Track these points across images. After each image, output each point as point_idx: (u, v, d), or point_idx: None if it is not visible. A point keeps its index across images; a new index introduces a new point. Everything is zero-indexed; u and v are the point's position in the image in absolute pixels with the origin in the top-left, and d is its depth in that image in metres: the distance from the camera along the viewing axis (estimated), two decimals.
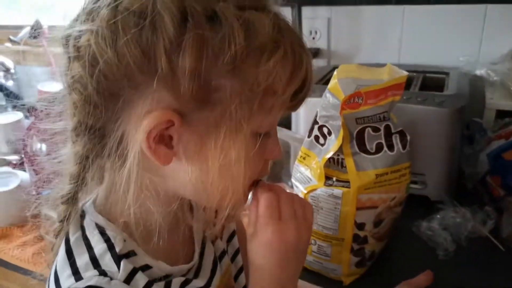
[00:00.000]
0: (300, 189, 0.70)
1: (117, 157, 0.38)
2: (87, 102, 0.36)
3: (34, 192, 0.90)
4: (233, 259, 0.58)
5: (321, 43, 1.25)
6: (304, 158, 0.71)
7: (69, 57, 0.37)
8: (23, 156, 1.00)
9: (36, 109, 0.45)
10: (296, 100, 0.41)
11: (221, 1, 0.35)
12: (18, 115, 1.15)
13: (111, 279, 0.38)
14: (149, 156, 0.37)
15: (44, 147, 0.46)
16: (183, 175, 0.39)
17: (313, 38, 1.25)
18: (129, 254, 0.41)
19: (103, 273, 0.39)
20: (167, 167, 0.39)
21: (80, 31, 0.35)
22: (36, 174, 0.86)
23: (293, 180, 0.73)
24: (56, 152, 0.43)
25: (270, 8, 0.37)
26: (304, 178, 0.70)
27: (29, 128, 0.89)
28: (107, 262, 0.39)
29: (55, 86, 0.40)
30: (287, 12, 1.18)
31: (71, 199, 0.43)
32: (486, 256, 0.76)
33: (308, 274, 0.74)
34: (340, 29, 1.22)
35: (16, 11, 1.83)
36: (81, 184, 0.42)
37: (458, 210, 0.81)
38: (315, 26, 1.24)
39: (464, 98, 0.88)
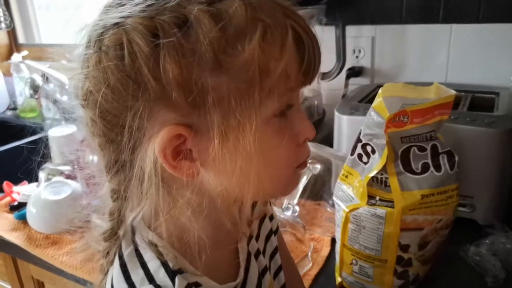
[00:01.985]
0: (341, 208, 0.70)
1: (144, 183, 0.39)
2: (106, 141, 0.39)
3: (84, 202, 0.94)
4: (275, 275, 0.58)
5: (364, 62, 1.25)
6: (346, 176, 0.71)
7: (82, 106, 0.39)
8: (75, 167, 1.06)
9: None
10: (302, 72, 0.38)
11: (187, 5, 0.35)
12: (72, 128, 1.21)
13: None
14: (173, 173, 0.38)
15: (95, 159, 0.48)
16: (209, 184, 0.39)
17: (357, 57, 1.25)
18: (181, 271, 0.41)
19: (158, 287, 0.40)
20: (194, 180, 0.39)
21: (79, 80, 0.38)
22: (87, 185, 0.90)
23: (334, 198, 0.73)
24: (96, 192, 0.45)
25: None
26: (346, 196, 0.70)
27: (82, 141, 0.94)
28: (161, 277, 0.40)
29: None
30: (331, 31, 1.19)
31: (112, 235, 0.44)
32: None
33: None
34: (384, 48, 1.22)
35: (70, 32, 1.95)
36: (120, 219, 0.43)
37: (509, 236, 0.77)
38: (359, 44, 1.24)
39: None
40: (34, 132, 1.42)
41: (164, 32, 0.34)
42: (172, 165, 0.37)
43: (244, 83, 0.35)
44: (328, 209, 0.95)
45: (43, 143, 1.15)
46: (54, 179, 1.06)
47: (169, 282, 0.40)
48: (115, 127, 0.38)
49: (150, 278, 0.40)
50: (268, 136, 0.38)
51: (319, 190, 0.97)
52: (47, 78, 1.62)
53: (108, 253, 0.46)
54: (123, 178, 0.41)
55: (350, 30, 1.21)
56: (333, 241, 0.84)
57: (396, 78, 1.21)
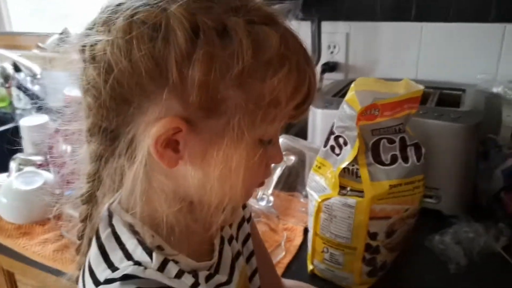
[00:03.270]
0: (314, 198, 0.72)
1: (126, 159, 0.40)
2: (101, 106, 0.38)
3: (57, 192, 0.93)
4: (248, 260, 0.59)
5: (339, 57, 1.27)
6: (319, 167, 0.73)
7: (84, 63, 0.39)
8: (48, 157, 1.04)
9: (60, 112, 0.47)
10: (298, 111, 0.42)
11: (232, 16, 0.36)
12: (44, 117, 1.19)
13: (145, 268, 0.41)
14: (156, 159, 0.39)
15: (69, 148, 0.48)
16: (188, 179, 0.41)
17: (332, 52, 1.27)
18: (158, 248, 0.43)
19: (137, 263, 0.41)
20: (174, 170, 0.41)
21: (96, 40, 0.37)
22: (60, 175, 0.89)
23: (308, 188, 0.75)
24: (74, 152, 0.45)
25: (281, 23, 0.39)
26: (319, 186, 0.72)
27: (56, 130, 0.93)
28: (139, 255, 0.41)
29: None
30: (306, 26, 1.21)
31: (90, 198, 0.45)
32: (498, 272, 0.76)
33: (320, 282, 0.75)
34: (358, 44, 1.25)
35: (38, 18, 1.90)
36: (98, 183, 0.44)
37: (472, 225, 0.81)
38: (334, 40, 1.26)
39: (480, 114, 0.89)
40: (4, 122, 1.39)
41: (205, 35, 0.35)
42: (159, 151, 0.39)
43: (254, 105, 0.38)
44: (302, 200, 0.97)
45: (14, 132, 1.13)
46: (26, 169, 1.04)
47: (147, 258, 0.41)
48: (117, 97, 0.38)
49: (129, 256, 0.42)
50: (252, 154, 0.41)
51: (293, 182, 0.99)
52: (17, 67, 1.58)
53: (86, 217, 0.46)
54: (106, 146, 0.41)
55: (326, 26, 1.23)
56: (306, 231, 0.86)
57: (369, 74, 1.24)
